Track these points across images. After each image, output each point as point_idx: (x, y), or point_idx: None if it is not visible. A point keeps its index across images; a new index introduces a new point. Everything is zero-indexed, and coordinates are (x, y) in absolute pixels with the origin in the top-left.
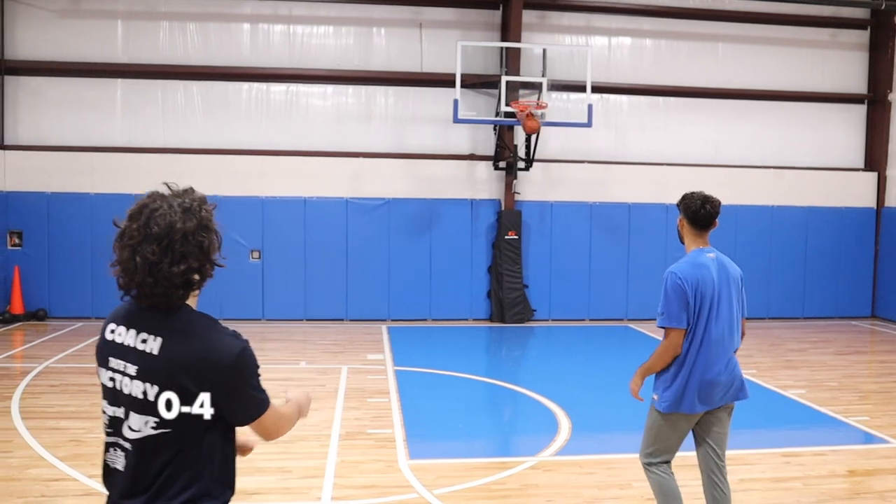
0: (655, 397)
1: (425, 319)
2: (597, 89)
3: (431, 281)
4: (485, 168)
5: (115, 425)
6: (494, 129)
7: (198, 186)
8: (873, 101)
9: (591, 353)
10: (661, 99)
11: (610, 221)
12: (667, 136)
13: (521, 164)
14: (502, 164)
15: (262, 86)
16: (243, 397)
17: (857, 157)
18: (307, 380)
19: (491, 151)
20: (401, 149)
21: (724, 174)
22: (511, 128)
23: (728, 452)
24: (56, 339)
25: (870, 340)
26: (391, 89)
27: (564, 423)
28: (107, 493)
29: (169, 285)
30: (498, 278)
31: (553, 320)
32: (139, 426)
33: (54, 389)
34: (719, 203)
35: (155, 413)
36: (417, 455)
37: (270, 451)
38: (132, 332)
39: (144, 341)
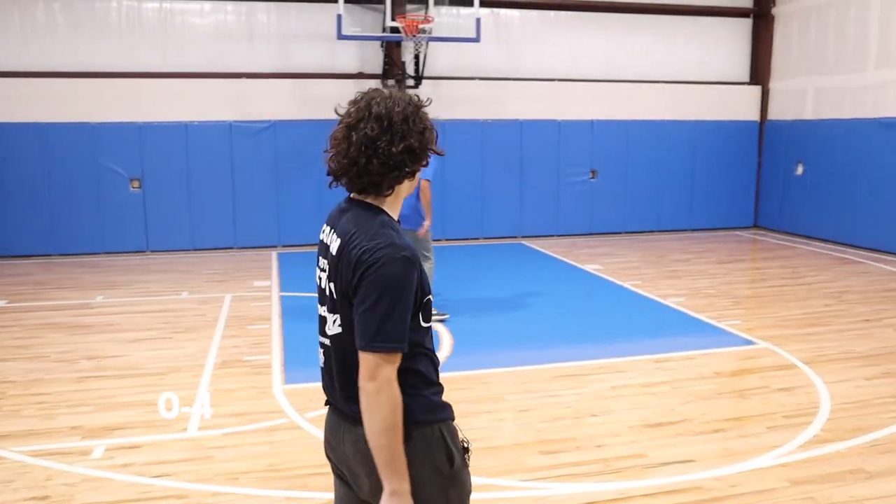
0: None
1: (316, 244)
2: (487, 3)
3: (322, 204)
4: (373, 86)
5: (320, 324)
6: (382, 46)
7: (65, 112)
8: (759, 15)
9: (483, 271)
10: (552, 13)
11: (503, 139)
12: (559, 52)
13: (411, 82)
14: (391, 82)
15: (133, 2)
16: (360, 315)
17: (742, 71)
18: (187, 310)
19: (380, 69)
20: (286, 68)
21: (616, 89)
22: (398, 44)
23: (601, 361)
24: None
25: (750, 249)
26: (273, 5)
27: (447, 341)
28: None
29: (383, 166)
30: None
31: (447, 240)
32: (331, 325)
33: None
34: None
35: (337, 311)
36: (293, 380)
37: (137, 384)
38: (331, 232)
39: (333, 241)
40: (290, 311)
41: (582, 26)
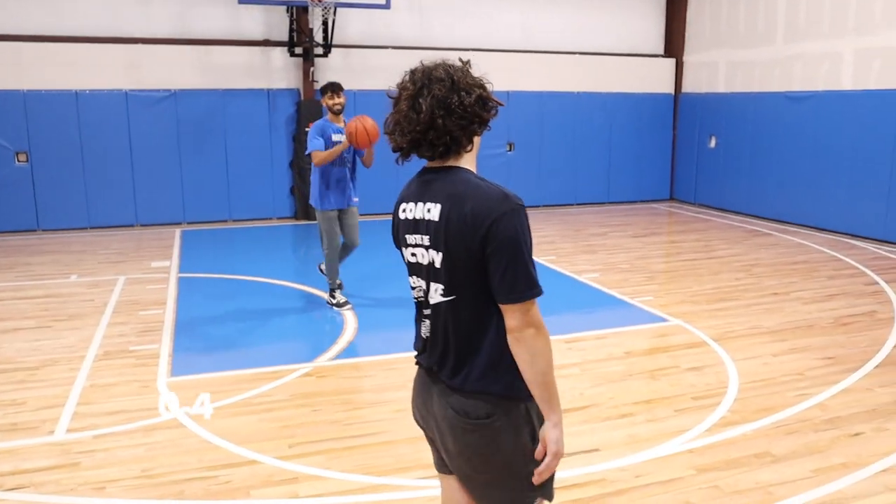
0: None
1: (225, 221)
2: None
3: (229, 179)
4: (281, 55)
5: (420, 296)
6: (288, 12)
7: None
8: None
9: (390, 247)
10: None
11: None
12: (474, 22)
13: (319, 51)
14: (298, 50)
15: None
16: (502, 271)
17: (657, 43)
18: (74, 295)
19: (286, 37)
20: (186, 34)
21: (532, 59)
22: (306, 9)
23: None
24: None
25: (666, 222)
26: None
27: (351, 325)
28: (421, 363)
29: (461, 119)
30: (300, 173)
31: (363, 214)
32: (433, 294)
33: None
34: None
35: (441, 279)
36: (181, 371)
37: (4, 381)
38: (419, 204)
39: (429, 210)
40: (187, 294)
41: None
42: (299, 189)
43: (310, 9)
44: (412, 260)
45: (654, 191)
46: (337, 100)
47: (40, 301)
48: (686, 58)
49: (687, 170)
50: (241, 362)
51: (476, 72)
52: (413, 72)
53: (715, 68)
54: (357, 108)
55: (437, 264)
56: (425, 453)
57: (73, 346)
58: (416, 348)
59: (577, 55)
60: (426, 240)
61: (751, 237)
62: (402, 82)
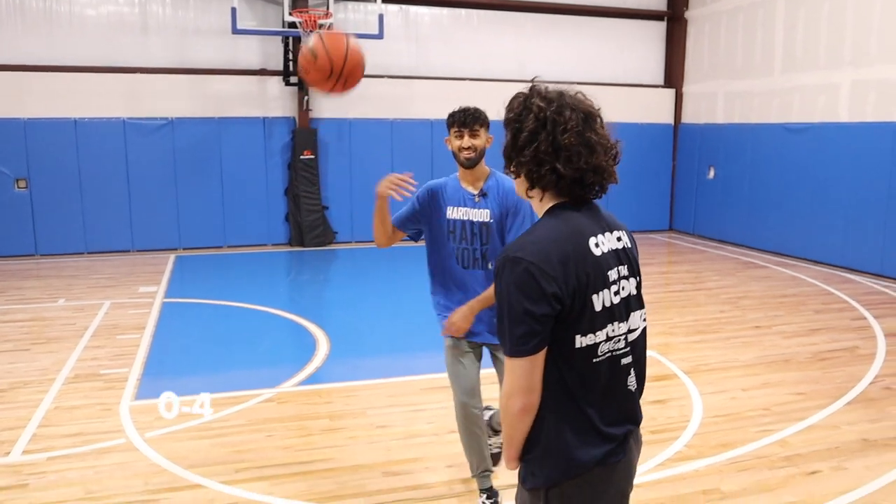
0: None
1: (220, 247)
2: (395, 0)
3: (224, 206)
4: (277, 84)
5: (618, 347)
6: (283, 41)
7: None
8: (672, 17)
9: (388, 275)
10: (463, 11)
11: (412, 139)
12: (471, 51)
13: None
14: (294, 79)
15: None
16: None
17: (657, 74)
18: (57, 319)
19: (282, 66)
20: (183, 63)
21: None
22: (300, 39)
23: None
24: None
25: (662, 252)
26: None
27: (322, 351)
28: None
29: (614, 160)
30: (295, 200)
31: (356, 242)
32: (637, 322)
33: None
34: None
35: (641, 302)
36: (145, 395)
37: None
38: (607, 234)
39: (619, 238)
40: (168, 319)
41: (494, 25)
42: (294, 216)
43: (303, 38)
44: (614, 300)
45: (654, 221)
46: (466, 141)
47: (24, 324)
48: (685, 88)
49: (686, 200)
50: (207, 387)
51: (475, 101)
52: (549, 100)
53: (714, 99)
54: (353, 135)
55: (634, 290)
56: (369, 480)
57: (47, 368)
58: (610, 413)
59: (575, 85)
60: (628, 269)
61: (744, 269)
62: (543, 108)
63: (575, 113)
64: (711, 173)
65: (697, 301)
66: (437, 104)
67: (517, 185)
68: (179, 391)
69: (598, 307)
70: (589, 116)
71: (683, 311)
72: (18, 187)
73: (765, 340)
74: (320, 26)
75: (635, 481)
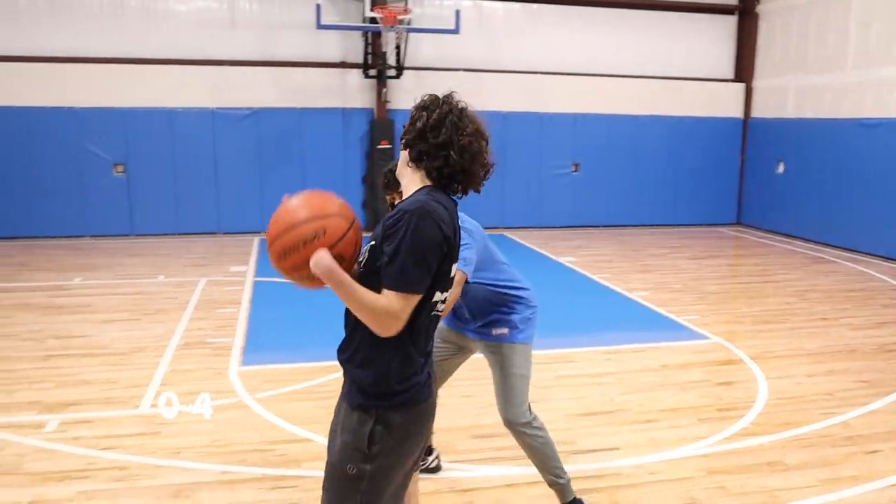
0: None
1: None
2: None
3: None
4: (356, 76)
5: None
6: (363, 36)
7: (47, 96)
8: (743, 12)
9: None
10: (535, 6)
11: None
12: (541, 45)
13: (392, 72)
14: (372, 71)
15: None
16: None
17: (727, 68)
18: (160, 293)
19: (361, 59)
20: (268, 57)
21: (600, 83)
22: (380, 34)
23: (552, 352)
24: None
25: (729, 246)
26: None
27: None
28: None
29: (485, 176)
30: (372, 188)
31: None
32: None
33: None
34: None
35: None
36: (250, 362)
37: (100, 363)
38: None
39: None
40: (260, 296)
41: (566, 19)
42: (371, 203)
43: (383, 33)
44: (448, 275)
45: (721, 215)
46: None
47: (131, 297)
48: (755, 83)
49: (755, 194)
50: (305, 356)
51: (545, 94)
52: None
53: (784, 93)
54: None
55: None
56: (459, 441)
57: (159, 336)
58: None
59: (645, 79)
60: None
61: (812, 264)
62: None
63: (473, 125)
64: (780, 168)
65: (765, 293)
66: (509, 97)
67: (402, 157)
68: (280, 359)
69: (452, 273)
70: (480, 134)
71: (751, 302)
72: (117, 172)
73: (831, 331)
74: (400, 21)
75: (704, 450)
